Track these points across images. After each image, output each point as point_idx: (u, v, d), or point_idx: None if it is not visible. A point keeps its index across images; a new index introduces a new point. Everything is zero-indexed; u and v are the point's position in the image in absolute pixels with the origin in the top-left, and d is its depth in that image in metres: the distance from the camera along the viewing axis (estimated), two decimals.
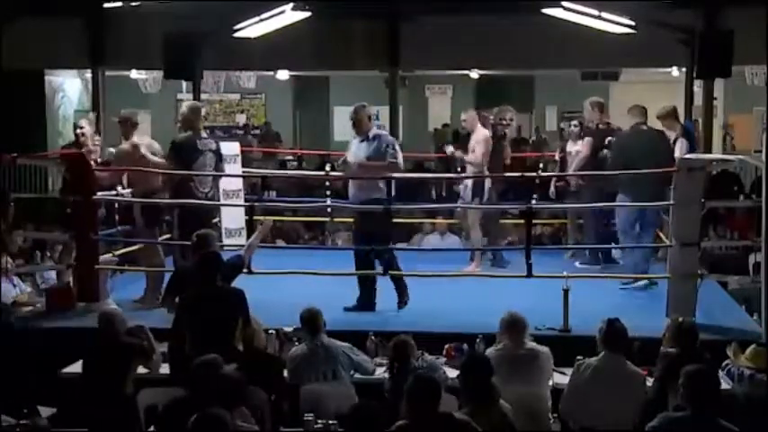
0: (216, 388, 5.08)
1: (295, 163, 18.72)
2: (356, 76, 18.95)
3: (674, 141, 9.17)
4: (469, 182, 9.60)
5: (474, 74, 18.89)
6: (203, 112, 8.76)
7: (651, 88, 14.47)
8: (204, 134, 8.41)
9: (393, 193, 8.31)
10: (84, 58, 15.05)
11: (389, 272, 8.11)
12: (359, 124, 8.29)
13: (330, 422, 5.51)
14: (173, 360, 6.38)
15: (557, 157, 10.56)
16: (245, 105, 21.72)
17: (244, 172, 10.37)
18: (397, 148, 8.30)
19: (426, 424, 4.70)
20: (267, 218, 8.03)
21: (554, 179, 10.39)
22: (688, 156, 8.00)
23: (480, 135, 9.79)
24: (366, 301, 8.13)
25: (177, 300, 6.70)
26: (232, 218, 10.11)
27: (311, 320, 6.47)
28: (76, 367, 6.46)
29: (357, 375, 6.48)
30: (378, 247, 8.16)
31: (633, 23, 12.37)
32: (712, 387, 4.93)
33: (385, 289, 8.34)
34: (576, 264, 9.64)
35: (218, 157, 8.41)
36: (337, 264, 8.90)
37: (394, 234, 8.82)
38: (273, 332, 6.84)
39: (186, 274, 6.87)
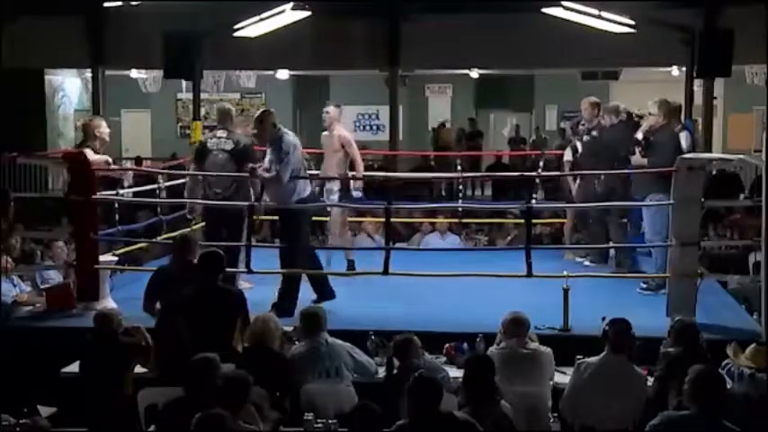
0: (216, 387, 5.09)
1: None
2: (356, 75, 18.97)
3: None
4: (336, 185, 9.10)
5: (474, 73, 18.92)
6: (233, 112, 8.69)
7: (651, 88, 14.45)
8: (222, 134, 8.26)
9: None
10: (85, 58, 15.10)
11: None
12: (261, 132, 7.88)
13: (330, 422, 5.50)
14: (161, 360, 6.34)
15: (570, 158, 10.21)
16: (244, 105, 21.73)
17: None
18: (285, 157, 7.71)
19: (427, 423, 4.69)
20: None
21: (575, 179, 10.03)
22: (688, 155, 7.97)
23: (347, 135, 9.22)
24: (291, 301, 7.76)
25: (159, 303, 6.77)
26: None
27: (311, 319, 6.45)
28: (76, 367, 6.46)
29: (357, 376, 6.46)
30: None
31: (633, 23, 12.39)
32: (719, 387, 4.93)
33: (384, 289, 8.35)
34: (585, 262, 9.61)
35: (238, 156, 8.16)
36: (337, 263, 8.91)
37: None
38: None
39: (167, 277, 6.87)
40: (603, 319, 6.16)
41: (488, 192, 18.65)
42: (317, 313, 6.52)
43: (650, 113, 8.66)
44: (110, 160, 8.73)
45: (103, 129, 8.67)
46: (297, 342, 6.61)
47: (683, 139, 8.79)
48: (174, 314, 6.43)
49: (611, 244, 9.53)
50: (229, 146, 8.18)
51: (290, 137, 7.86)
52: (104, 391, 6.01)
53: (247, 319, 6.37)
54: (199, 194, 8.55)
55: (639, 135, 8.71)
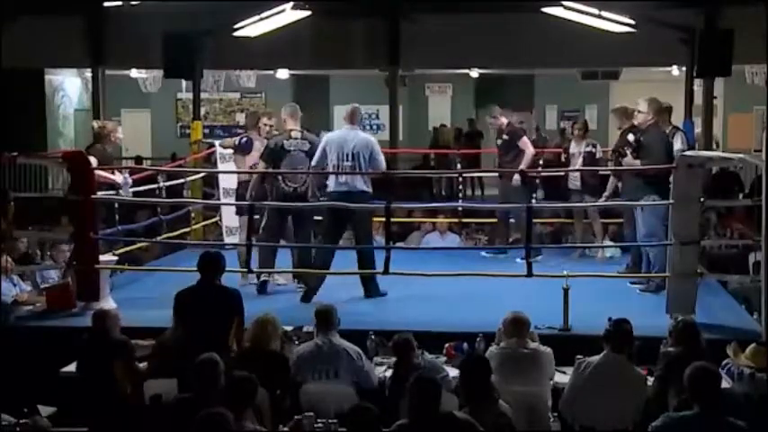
0: (220, 388, 5.09)
1: None
2: (356, 75, 18.96)
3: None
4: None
5: (474, 73, 18.91)
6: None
7: (651, 87, 14.44)
8: (297, 134, 8.74)
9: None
10: (85, 58, 15.09)
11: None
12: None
13: (330, 421, 5.50)
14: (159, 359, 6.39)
15: (562, 158, 10.55)
16: (245, 104, 21.73)
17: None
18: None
19: (427, 423, 4.69)
20: None
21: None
22: (687, 152, 7.96)
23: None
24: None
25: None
26: (232, 216, 10.16)
27: (323, 317, 6.44)
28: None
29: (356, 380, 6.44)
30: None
31: (633, 22, 12.39)
32: (714, 383, 4.92)
33: (385, 288, 8.36)
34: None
35: (312, 155, 8.62)
36: (338, 263, 8.90)
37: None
38: None
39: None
40: (610, 319, 6.16)
41: (488, 192, 18.64)
42: (329, 311, 6.52)
43: (639, 111, 8.67)
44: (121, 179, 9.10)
45: (119, 134, 9.30)
46: (297, 341, 6.63)
47: (678, 140, 8.80)
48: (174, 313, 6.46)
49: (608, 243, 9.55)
50: (306, 146, 8.73)
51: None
52: (101, 389, 6.03)
53: (243, 318, 6.38)
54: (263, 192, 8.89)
55: (631, 137, 8.76)
